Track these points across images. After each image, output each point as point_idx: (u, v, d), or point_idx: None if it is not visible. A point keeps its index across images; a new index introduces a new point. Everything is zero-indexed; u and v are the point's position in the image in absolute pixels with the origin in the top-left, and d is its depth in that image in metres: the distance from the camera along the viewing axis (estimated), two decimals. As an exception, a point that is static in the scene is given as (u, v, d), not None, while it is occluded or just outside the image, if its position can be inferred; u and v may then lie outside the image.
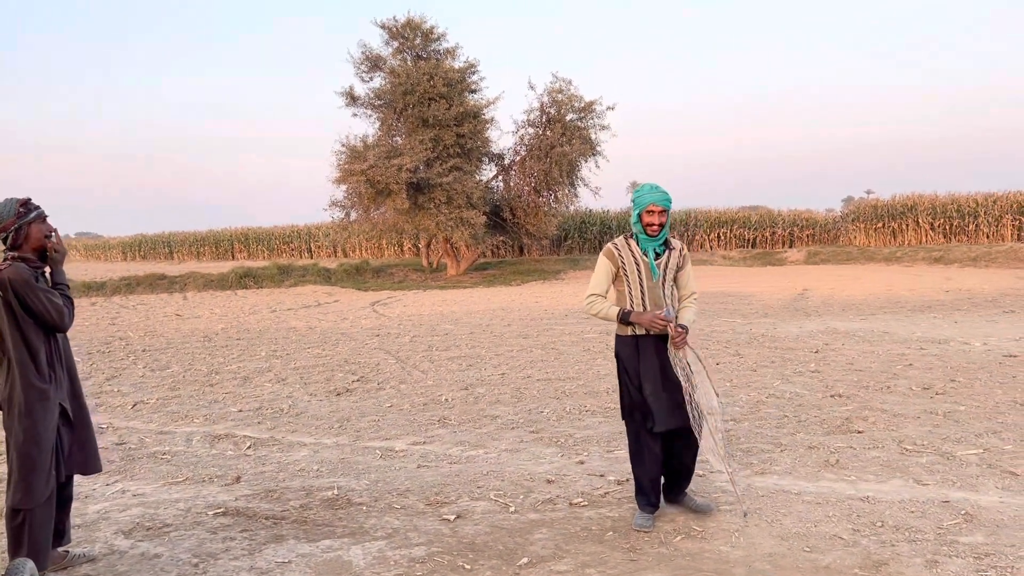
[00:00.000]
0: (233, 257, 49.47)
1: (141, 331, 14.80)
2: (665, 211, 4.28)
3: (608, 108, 28.60)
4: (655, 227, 4.28)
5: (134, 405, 7.99)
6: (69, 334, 3.98)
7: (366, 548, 4.09)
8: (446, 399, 7.89)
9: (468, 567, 3.83)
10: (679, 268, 4.45)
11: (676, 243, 4.47)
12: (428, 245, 32.03)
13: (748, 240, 38.75)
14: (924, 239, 34.57)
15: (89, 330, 15.12)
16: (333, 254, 44.69)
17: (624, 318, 4.28)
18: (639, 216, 4.32)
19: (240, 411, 7.64)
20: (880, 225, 35.60)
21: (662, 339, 4.33)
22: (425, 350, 11.36)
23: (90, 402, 5.66)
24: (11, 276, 3.56)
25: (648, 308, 4.32)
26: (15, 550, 3.59)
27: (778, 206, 41.46)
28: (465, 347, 11.56)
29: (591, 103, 28.44)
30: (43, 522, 3.62)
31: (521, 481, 5.19)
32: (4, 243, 3.71)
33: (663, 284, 4.36)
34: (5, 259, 3.68)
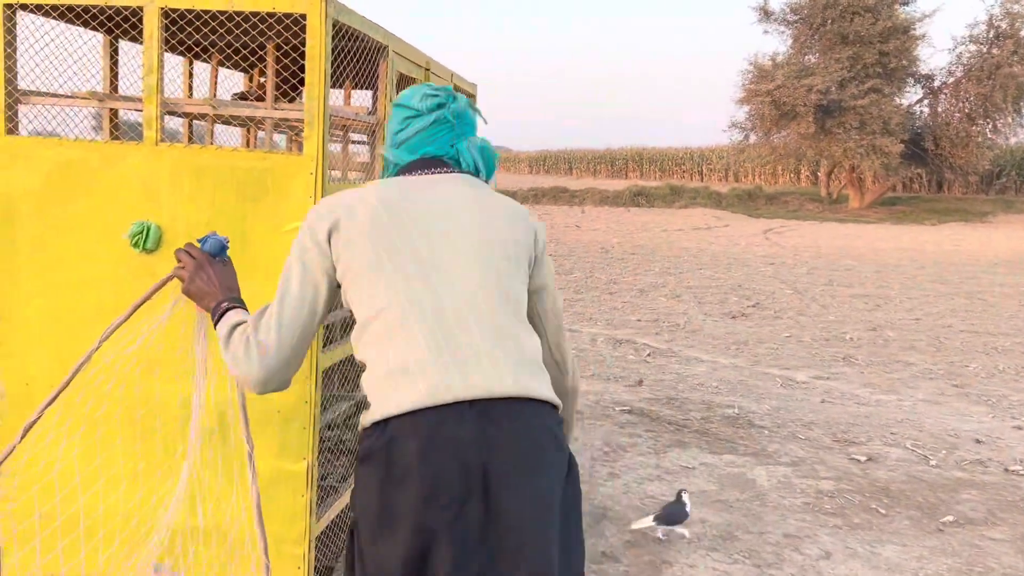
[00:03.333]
0: (626, 176, 51.22)
1: (547, 238, 16.11)
2: None
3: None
4: None
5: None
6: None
7: (770, 471, 4.05)
8: (850, 337, 7.40)
9: (883, 512, 3.60)
10: None
11: None
12: (829, 174, 29.85)
13: None
14: None
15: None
16: (724, 179, 43.95)
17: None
18: None
19: (639, 320, 7.98)
20: None
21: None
22: (824, 284, 10.74)
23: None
24: None
25: None
26: None
27: None
28: (870, 286, 10.69)
29: (1059, 14, 23.68)
30: None
31: (943, 435, 4.70)
32: None
33: None
34: None
